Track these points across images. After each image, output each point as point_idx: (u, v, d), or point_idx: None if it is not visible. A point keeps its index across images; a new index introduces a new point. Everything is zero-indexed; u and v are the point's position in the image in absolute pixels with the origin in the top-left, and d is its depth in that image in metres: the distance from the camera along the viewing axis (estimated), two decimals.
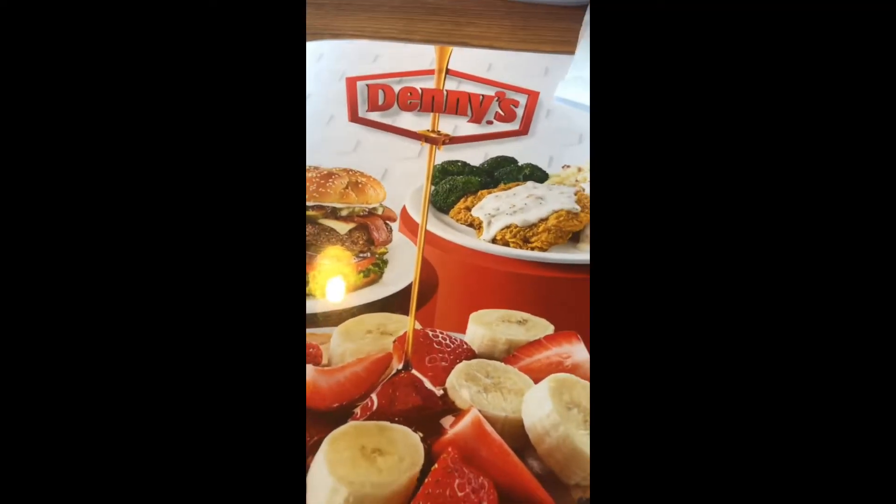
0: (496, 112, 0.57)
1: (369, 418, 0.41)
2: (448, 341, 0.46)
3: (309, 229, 0.56)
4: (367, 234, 0.56)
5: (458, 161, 0.63)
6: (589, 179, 0.62)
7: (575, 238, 0.58)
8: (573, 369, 0.44)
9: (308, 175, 0.58)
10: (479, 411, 0.40)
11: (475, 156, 0.62)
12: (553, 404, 0.39)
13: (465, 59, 0.65)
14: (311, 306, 0.51)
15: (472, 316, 0.48)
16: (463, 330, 0.47)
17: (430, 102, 0.55)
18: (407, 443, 0.38)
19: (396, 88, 0.57)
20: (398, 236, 0.57)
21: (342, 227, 0.56)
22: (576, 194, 0.59)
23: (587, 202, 0.60)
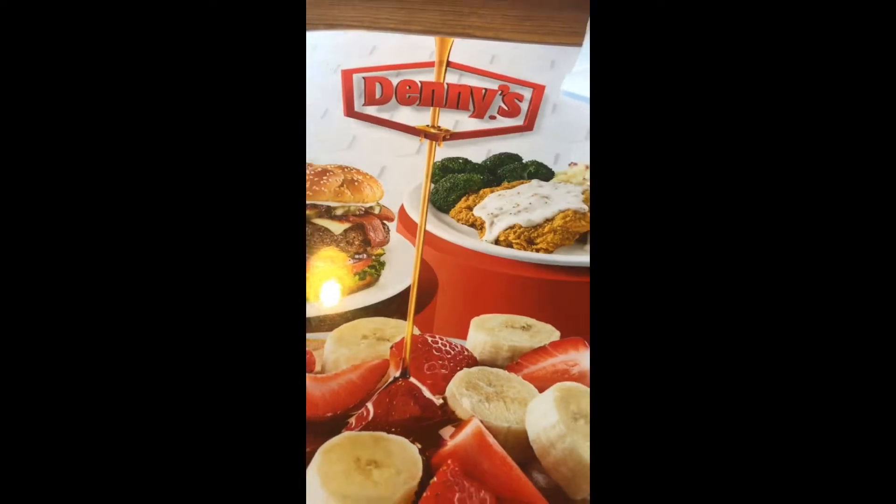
0: (499, 107, 0.55)
1: (365, 428, 0.41)
2: (448, 348, 0.46)
3: None
4: (364, 235, 0.58)
5: (459, 158, 0.64)
6: None
7: (582, 239, 0.58)
8: (580, 378, 0.44)
9: None
10: (481, 422, 0.40)
11: (477, 153, 0.64)
12: (559, 415, 0.39)
13: (466, 50, 0.68)
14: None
15: (474, 321, 0.48)
16: (464, 336, 0.48)
17: (430, 96, 0.54)
18: (404, 455, 0.38)
19: (395, 81, 0.56)
20: (396, 237, 0.58)
21: (337, 227, 0.56)
22: (583, 193, 0.60)
23: None
